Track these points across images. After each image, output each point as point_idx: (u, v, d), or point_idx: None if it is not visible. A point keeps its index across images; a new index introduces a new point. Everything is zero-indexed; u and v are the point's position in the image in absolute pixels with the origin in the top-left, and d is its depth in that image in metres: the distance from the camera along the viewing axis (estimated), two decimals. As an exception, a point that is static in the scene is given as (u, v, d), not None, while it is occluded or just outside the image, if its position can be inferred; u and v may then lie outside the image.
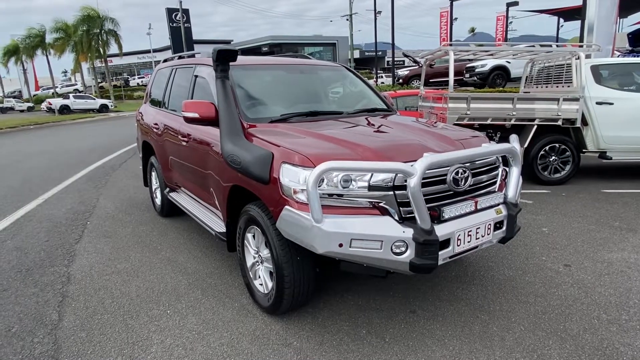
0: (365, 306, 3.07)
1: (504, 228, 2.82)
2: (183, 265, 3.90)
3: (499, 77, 17.62)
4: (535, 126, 6.24)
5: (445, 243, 2.49)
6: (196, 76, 4.04)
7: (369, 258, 2.38)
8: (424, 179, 2.43)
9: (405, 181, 2.32)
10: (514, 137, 3.06)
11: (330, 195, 2.41)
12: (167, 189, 4.96)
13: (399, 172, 2.31)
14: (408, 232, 2.36)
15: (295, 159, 2.52)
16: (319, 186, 2.38)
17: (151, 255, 4.18)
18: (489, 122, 6.30)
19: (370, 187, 2.42)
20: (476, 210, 2.65)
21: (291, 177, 2.51)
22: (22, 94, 58.52)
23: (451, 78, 6.39)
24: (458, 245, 2.55)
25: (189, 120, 3.36)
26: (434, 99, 7.08)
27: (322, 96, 3.96)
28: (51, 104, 33.95)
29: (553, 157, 6.45)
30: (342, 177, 2.41)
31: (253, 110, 3.41)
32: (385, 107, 4.15)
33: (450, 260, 2.59)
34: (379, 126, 3.20)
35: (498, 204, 2.79)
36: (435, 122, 3.56)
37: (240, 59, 3.92)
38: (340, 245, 2.32)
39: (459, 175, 2.60)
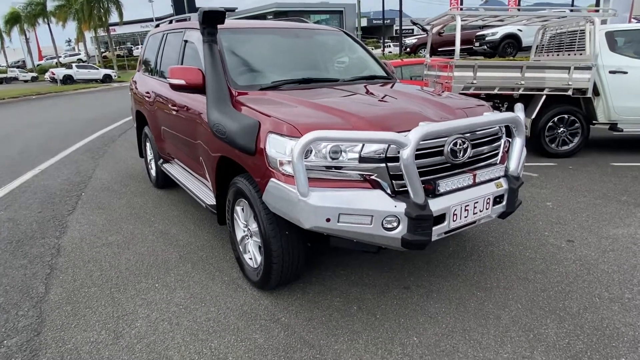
0: (358, 281, 2.98)
1: (504, 202, 2.68)
2: (175, 238, 3.82)
3: (510, 46, 17.03)
4: (544, 96, 5.98)
5: (440, 218, 2.36)
6: (186, 41, 3.85)
7: (358, 234, 2.26)
8: (418, 150, 2.28)
9: (398, 152, 2.17)
10: (518, 106, 2.86)
11: (318, 167, 2.27)
12: (161, 160, 4.84)
13: (391, 143, 2.15)
14: (400, 207, 2.23)
15: (282, 129, 2.37)
16: (306, 158, 2.24)
17: (143, 227, 4.10)
18: (496, 91, 6.05)
19: (361, 159, 2.28)
20: (474, 184, 2.50)
21: (278, 147, 2.36)
22: (26, 64, 58.09)
23: (457, 45, 6.10)
24: (454, 221, 2.41)
25: (175, 87, 3.20)
26: (440, 68, 6.80)
27: (318, 62, 3.76)
28: (54, 74, 33.66)
29: (561, 129, 6.21)
30: (331, 148, 2.26)
31: (242, 77, 3.23)
32: (385, 74, 3.94)
33: (445, 236, 2.47)
34: (377, 94, 3.01)
35: (498, 177, 2.64)
36: (438, 91, 3.36)
37: (231, 22, 3.71)
38: (328, 220, 2.19)
39: (458, 146, 2.44)
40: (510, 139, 2.82)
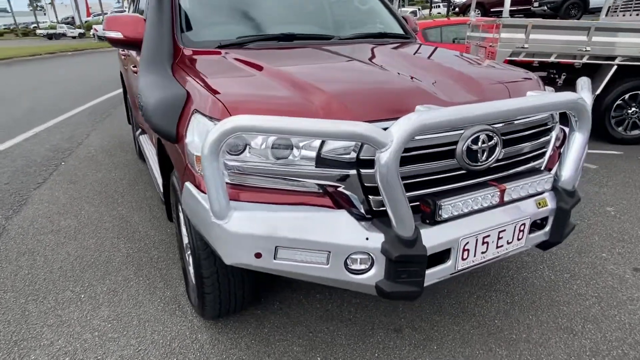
0: (335, 315, 2.22)
1: (548, 229, 1.79)
2: (133, 229, 3.18)
3: (575, 7, 14.91)
4: (615, 67, 4.76)
5: (442, 256, 1.54)
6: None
7: (308, 276, 1.48)
8: (410, 150, 1.44)
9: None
10: (584, 82, 1.89)
11: (257, 170, 1.47)
12: (139, 131, 4.17)
13: (360, 140, 1.30)
14: (375, 240, 1.42)
15: (206, 107, 1.59)
16: (237, 154, 1.46)
17: (105, 210, 3.49)
18: (552, 59, 4.88)
19: (321, 161, 1.46)
20: (502, 203, 1.63)
21: (201, 134, 1.58)
22: (75, 21, 59.25)
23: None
24: (464, 259, 1.58)
25: (112, 42, 2.44)
26: (485, 28, 5.64)
27: (309, 12, 2.85)
28: (97, 30, 33.86)
29: (633, 109, 5.00)
30: (275, 143, 1.46)
31: (198, 30, 2.43)
32: (401, 32, 2.99)
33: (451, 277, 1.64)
34: (376, 60, 2.12)
35: (542, 192, 1.74)
36: (472, 58, 2.42)
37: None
38: (258, 255, 1.42)
39: (480, 144, 1.56)
40: (565, 131, 1.90)
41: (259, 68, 1.89)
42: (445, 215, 1.49)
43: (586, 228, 3.09)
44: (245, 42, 2.37)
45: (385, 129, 1.30)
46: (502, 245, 1.66)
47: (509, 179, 1.69)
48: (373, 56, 2.18)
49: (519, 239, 1.70)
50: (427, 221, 1.51)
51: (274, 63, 1.96)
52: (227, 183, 1.50)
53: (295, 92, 1.60)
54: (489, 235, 1.60)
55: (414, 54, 2.33)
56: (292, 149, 1.47)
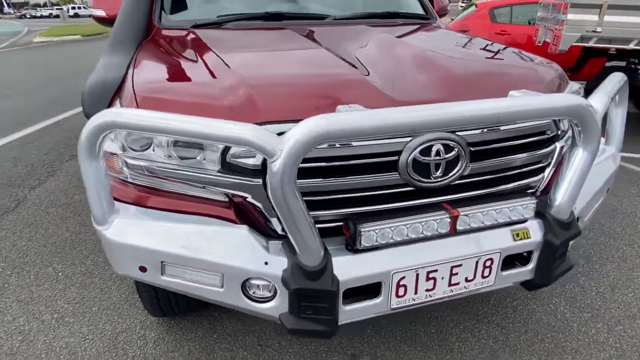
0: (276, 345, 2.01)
1: (532, 266, 1.41)
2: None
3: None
4: None
5: (370, 290, 1.26)
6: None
7: (206, 298, 1.28)
8: (334, 159, 1.17)
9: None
10: (574, 87, 1.43)
11: (160, 171, 1.29)
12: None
13: (247, 145, 1.05)
14: (275, 265, 1.18)
15: (124, 96, 1.44)
16: (143, 150, 1.29)
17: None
18: (632, 46, 4.09)
19: (226, 165, 1.24)
20: (453, 232, 1.29)
21: (117, 126, 1.42)
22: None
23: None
24: (399, 296, 1.28)
25: (98, 20, 2.37)
26: (557, 8, 4.89)
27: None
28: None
29: None
30: (174, 141, 1.26)
31: (179, 9, 2.26)
32: (419, 12, 2.60)
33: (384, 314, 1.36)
34: (348, 47, 1.77)
35: (522, 220, 1.37)
36: (488, 47, 1.98)
37: None
38: (143, 269, 1.25)
39: (432, 156, 1.23)
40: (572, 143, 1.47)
41: (206, 52, 1.68)
42: (366, 244, 1.20)
43: (622, 253, 2.54)
44: (224, 21, 2.16)
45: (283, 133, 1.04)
46: (457, 283, 1.33)
47: (483, 201, 1.34)
48: (350, 42, 1.85)
49: (484, 277, 1.36)
50: (349, 248, 1.23)
51: (227, 47, 1.75)
52: (131, 183, 1.34)
53: (216, 84, 1.37)
54: (436, 271, 1.28)
55: (408, 40, 1.96)
56: (201, 149, 1.27)
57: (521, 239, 1.36)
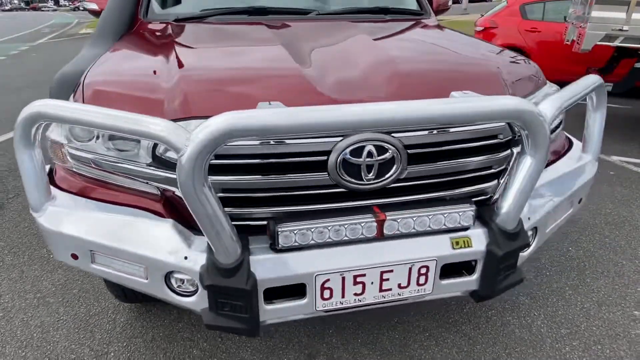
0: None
1: (477, 276, 1.35)
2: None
3: None
4: None
5: (294, 290, 1.24)
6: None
7: (131, 287, 1.31)
8: (257, 156, 1.16)
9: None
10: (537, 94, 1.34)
11: (101, 161, 1.32)
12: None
13: (158, 140, 1.06)
14: (194, 260, 1.19)
15: (77, 87, 1.47)
16: (84, 140, 1.33)
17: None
18: (663, 46, 3.81)
19: (156, 159, 1.25)
20: (380, 237, 1.25)
21: (70, 117, 1.47)
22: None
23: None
24: (325, 298, 1.26)
25: (92, 14, 2.46)
26: (588, 3, 4.62)
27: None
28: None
29: None
30: (110, 133, 1.29)
31: (165, 2, 2.30)
32: (412, 7, 2.52)
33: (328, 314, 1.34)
34: (310, 43, 1.73)
35: (464, 228, 1.31)
36: (469, 44, 1.88)
37: None
38: (75, 257, 1.28)
39: (364, 158, 1.20)
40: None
41: (168, 47, 1.69)
42: (284, 244, 1.18)
43: (632, 272, 2.37)
44: (207, 15, 2.18)
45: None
46: (389, 289, 1.29)
47: (421, 206, 1.29)
48: (315, 39, 1.81)
49: (420, 284, 1.31)
50: (272, 245, 1.22)
51: (190, 42, 1.77)
52: (75, 173, 1.39)
53: (157, 79, 1.39)
54: (363, 275, 1.24)
55: (377, 38, 1.87)
56: (138, 142, 1.29)
57: (461, 247, 1.29)
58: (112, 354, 1.86)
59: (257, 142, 1.16)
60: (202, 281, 1.15)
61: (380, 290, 1.28)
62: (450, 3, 2.84)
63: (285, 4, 2.33)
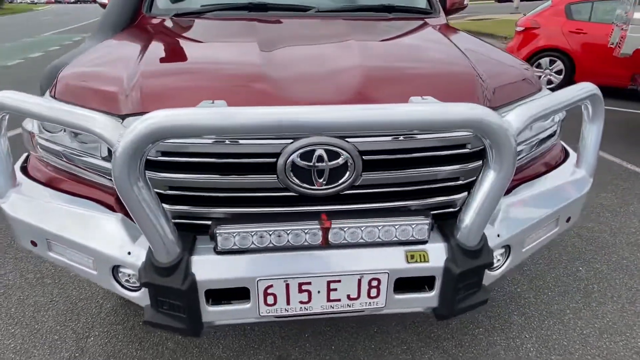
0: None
1: (435, 292, 1.27)
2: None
3: None
4: None
5: (237, 294, 1.22)
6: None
7: (84, 277, 1.33)
8: (203, 155, 1.15)
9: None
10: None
11: (65, 153, 1.36)
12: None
13: (95, 135, 1.07)
14: (137, 257, 1.19)
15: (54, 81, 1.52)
16: (54, 132, 1.37)
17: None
18: None
19: (110, 153, 1.26)
20: (325, 245, 1.20)
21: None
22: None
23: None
24: (269, 304, 1.22)
25: (102, 6, 2.53)
26: (631, 4, 4.28)
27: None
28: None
29: None
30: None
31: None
32: (420, 6, 2.42)
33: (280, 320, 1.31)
34: (301, 42, 1.70)
35: (421, 241, 1.23)
36: (449, 45, 1.76)
37: None
38: (34, 244, 1.33)
39: (314, 162, 1.15)
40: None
41: (148, 42, 1.70)
42: (223, 247, 1.15)
43: (646, 299, 2.17)
44: (206, 10, 2.19)
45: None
46: (338, 300, 1.24)
47: (377, 215, 1.22)
48: (296, 37, 1.77)
49: (371, 297, 1.24)
50: (215, 246, 1.20)
51: (172, 37, 1.80)
52: (45, 162, 1.43)
53: (123, 74, 1.39)
54: (309, 283, 1.20)
55: (368, 37, 1.79)
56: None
57: (416, 261, 1.22)
58: (92, 338, 1.92)
59: (207, 141, 1.14)
60: (139, 278, 1.16)
61: (329, 300, 1.24)
62: (466, 2, 2.71)
63: (285, 0, 2.29)
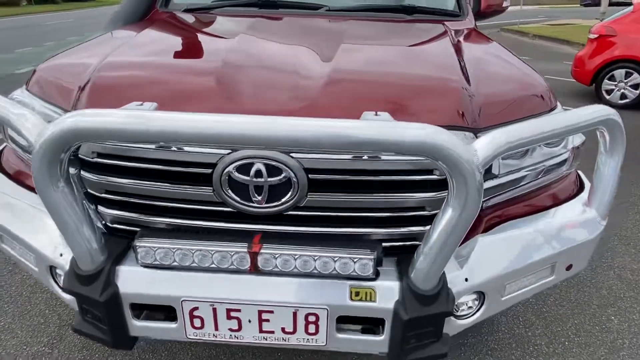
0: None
1: (383, 337, 1.11)
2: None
3: None
4: None
5: (165, 312, 1.14)
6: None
7: (28, 273, 1.32)
8: (131, 159, 1.09)
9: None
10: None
11: (25, 147, 1.36)
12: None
13: (13, 129, 1.02)
14: (68, 259, 1.14)
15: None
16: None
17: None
18: None
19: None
20: (253, 270, 1.07)
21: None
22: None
23: None
24: (196, 327, 1.13)
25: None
26: None
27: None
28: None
29: None
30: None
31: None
32: (445, 7, 2.20)
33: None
34: (287, 44, 1.59)
35: (369, 278, 1.07)
36: (452, 55, 1.55)
37: None
38: (-9, 235, 1.33)
39: (251, 176, 1.04)
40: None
41: (135, 36, 1.68)
42: (145, 261, 1.07)
43: (688, 366, 1.81)
44: (217, 6, 2.14)
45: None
46: (272, 332, 1.11)
47: (320, 243, 1.09)
48: (284, 38, 1.65)
49: (309, 333, 1.10)
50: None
51: (165, 33, 1.76)
52: (19, 157, 1.44)
53: (89, 68, 1.36)
54: (238, 310, 1.09)
55: (361, 41, 1.62)
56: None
57: (361, 299, 1.06)
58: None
59: (142, 145, 1.07)
60: (63, 283, 1.11)
61: (261, 331, 1.11)
62: (506, 4, 2.43)
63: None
